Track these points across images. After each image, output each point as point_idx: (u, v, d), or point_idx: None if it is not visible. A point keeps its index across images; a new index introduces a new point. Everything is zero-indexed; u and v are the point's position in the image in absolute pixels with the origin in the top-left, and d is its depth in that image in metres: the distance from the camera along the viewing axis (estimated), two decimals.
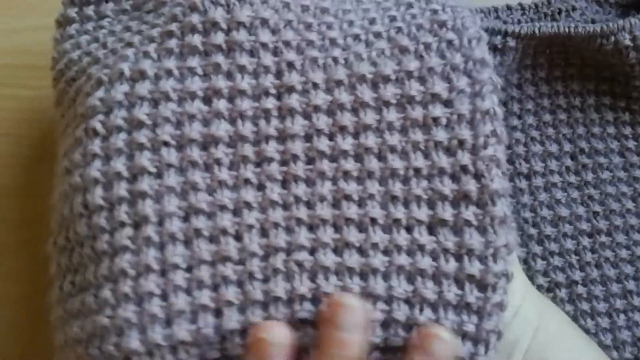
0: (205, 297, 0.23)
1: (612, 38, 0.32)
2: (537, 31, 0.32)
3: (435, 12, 0.26)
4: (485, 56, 0.26)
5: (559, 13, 0.35)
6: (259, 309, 0.24)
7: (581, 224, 0.34)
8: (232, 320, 0.23)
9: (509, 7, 0.35)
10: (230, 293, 0.24)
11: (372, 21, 0.26)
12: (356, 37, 0.26)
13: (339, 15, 0.27)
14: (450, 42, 0.26)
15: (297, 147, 0.25)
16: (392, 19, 0.26)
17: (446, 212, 0.25)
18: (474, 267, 0.24)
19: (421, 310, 0.24)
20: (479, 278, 0.24)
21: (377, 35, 0.26)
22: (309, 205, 0.25)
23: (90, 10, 0.28)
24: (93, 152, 0.25)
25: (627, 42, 0.32)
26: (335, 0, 0.27)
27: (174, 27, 0.26)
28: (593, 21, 0.35)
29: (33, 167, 0.37)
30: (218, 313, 0.24)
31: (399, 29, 0.26)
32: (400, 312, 0.24)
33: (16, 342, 0.35)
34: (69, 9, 0.29)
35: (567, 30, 0.32)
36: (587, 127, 0.35)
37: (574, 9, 0.35)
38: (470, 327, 0.24)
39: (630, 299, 0.33)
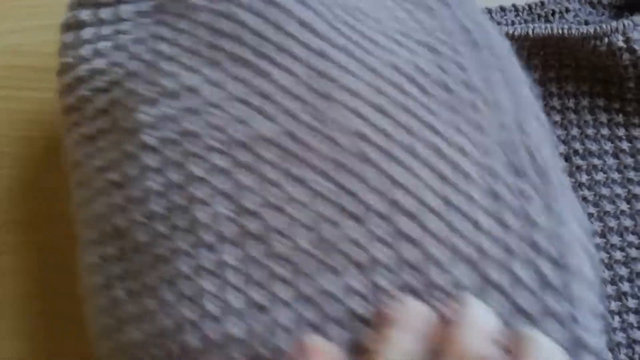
0: (257, 294, 0.23)
1: (606, 40, 0.32)
2: (530, 32, 0.32)
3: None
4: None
5: (553, 14, 0.35)
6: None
7: None
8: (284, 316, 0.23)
9: (502, 9, 0.35)
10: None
11: None
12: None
13: None
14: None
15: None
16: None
17: None
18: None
19: None
20: None
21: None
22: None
23: (105, 13, 0.27)
24: (150, 166, 0.25)
25: (621, 44, 0.32)
26: None
27: (223, 42, 0.25)
28: (586, 22, 0.35)
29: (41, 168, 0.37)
30: (262, 309, 0.23)
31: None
32: None
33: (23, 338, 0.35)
34: (78, 11, 0.28)
35: (560, 31, 0.32)
36: (581, 128, 0.35)
37: (567, 10, 0.35)
38: None
39: (624, 301, 0.33)
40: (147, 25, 0.27)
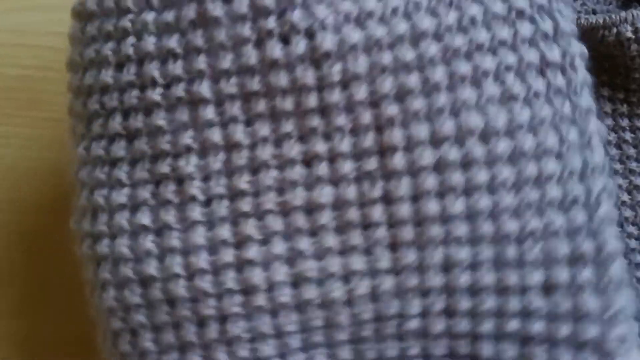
0: (321, 356, 0.24)
1: (614, 30, 0.32)
2: None
3: (545, 37, 0.24)
4: (591, 103, 0.24)
5: None
6: None
7: None
8: None
9: None
10: (346, 352, 0.24)
11: (480, 47, 0.23)
12: (462, 79, 0.23)
13: (441, 34, 0.23)
14: (558, 90, 0.24)
15: (404, 210, 0.23)
16: (502, 43, 0.23)
17: (561, 275, 0.23)
18: (591, 331, 0.23)
19: None
20: (596, 343, 0.23)
21: (486, 74, 0.23)
22: (420, 272, 0.23)
23: (111, 2, 0.25)
24: (196, 220, 0.24)
25: (629, 34, 0.32)
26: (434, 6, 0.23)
27: (256, 85, 0.23)
28: (594, 12, 0.35)
29: None
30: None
31: (509, 68, 0.23)
32: None
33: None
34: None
35: None
36: None
37: None
38: None
39: None
40: (151, 26, 0.25)
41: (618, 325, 0.23)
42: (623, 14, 0.32)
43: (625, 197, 0.34)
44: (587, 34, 0.32)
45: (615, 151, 0.35)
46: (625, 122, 0.35)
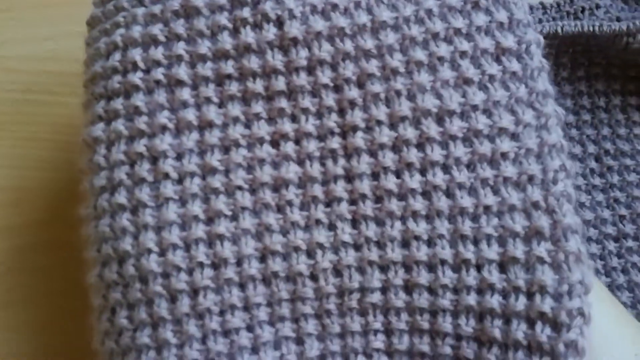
0: (287, 329, 0.26)
1: (639, 36, 0.31)
2: (560, 30, 0.31)
3: (501, 26, 0.25)
4: (548, 88, 0.25)
5: (582, 11, 0.34)
6: (337, 339, 0.26)
7: (607, 227, 0.33)
8: (313, 348, 0.26)
9: (530, 6, 0.34)
10: (310, 326, 0.26)
11: (435, 36, 0.25)
12: (419, 64, 0.25)
13: (399, 24, 0.25)
14: (514, 74, 0.25)
15: (365, 186, 0.25)
16: (457, 32, 0.25)
17: (517, 250, 0.24)
18: (545, 305, 0.23)
19: (489, 349, 0.24)
20: (551, 316, 0.23)
21: (441, 60, 0.25)
22: (380, 246, 0.25)
23: (111, 5, 0.27)
24: (169, 196, 0.25)
25: None
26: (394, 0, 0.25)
27: (230, 68, 0.25)
28: (618, 19, 0.34)
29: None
30: (299, 341, 0.26)
31: (464, 54, 0.25)
32: (469, 350, 0.24)
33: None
34: (96, 8, 0.28)
35: (591, 29, 0.31)
36: (612, 128, 0.34)
37: (597, 6, 0.34)
38: None
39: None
40: (140, 18, 0.27)
41: (573, 299, 0.23)
42: None
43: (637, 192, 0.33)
44: (610, 41, 0.32)
45: None
46: None
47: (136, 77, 0.26)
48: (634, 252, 0.33)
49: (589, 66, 0.34)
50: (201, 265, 0.25)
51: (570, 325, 0.23)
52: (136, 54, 0.26)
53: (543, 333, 0.23)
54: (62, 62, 0.39)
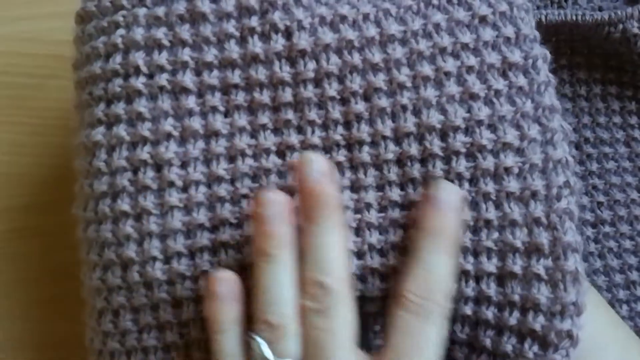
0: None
1: (620, 26, 0.32)
2: (543, 19, 0.32)
3: (507, 41, 0.25)
4: (555, 102, 0.25)
5: (566, 0, 0.34)
6: None
7: (585, 214, 0.34)
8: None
9: None
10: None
11: (443, 51, 0.25)
12: (426, 79, 0.25)
13: (407, 39, 0.25)
14: (520, 89, 0.25)
15: (370, 196, 0.25)
16: (464, 46, 0.25)
17: (516, 265, 0.24)
18: (537, 323, 0.24)
19: (478, 356, 0.25)
20: (540, 334, 0.24)
21: (448, 75, 0.25)
22: (382, 253, 0.25)
23: (107, 2, 0.26)
24: (174, 205, 0.25)
25: (636, 30, 0.32)
26: (402, 13, 0.25)
27: (237, 78, 0.25)
28: (600, 8, 0.35)
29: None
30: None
31: (470, 69, 0.25)
32: (461, 355, 0.25)
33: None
34: (89, 1, 0.27)
35: (574, 18, 0.32)
36: (592, 116, 0.35)
37: None
38: None
39: (633, 290, 0.33)
40: (142, 19, 0.26)
41: (564, 320, 0.24)
42: (629, 9, 0.32)
43: (635, 194, 0.34)
44: (592, 31, 0.32)
45: (624, 149, 0.34)
46: (634, 120, 0.35)
47: (139, 82, 0.25)
48: (610, 237, 0.34)
49: (571, 55, 0.34)
50: (206, 273, 0.25)
51: (558, 347, 0.24)
52: (139, 58, 0.25)
53: (530, 350, 0.24)
54: (41, 44, 0.38)
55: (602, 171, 0.34)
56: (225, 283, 0.24)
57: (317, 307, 0.23)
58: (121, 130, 0.25)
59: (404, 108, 0.25)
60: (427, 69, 0.25)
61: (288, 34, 0.25)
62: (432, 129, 0.25)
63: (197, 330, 0.25)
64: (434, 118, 0.25)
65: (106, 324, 0.26)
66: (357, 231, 0.25)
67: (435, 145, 0.25)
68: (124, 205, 0.25)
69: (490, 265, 0.24)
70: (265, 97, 0.25)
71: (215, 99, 0.25)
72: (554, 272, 0.24)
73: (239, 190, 0.25)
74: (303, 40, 0.25)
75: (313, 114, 0.25)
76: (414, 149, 0.25)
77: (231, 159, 0.25)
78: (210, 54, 0.25)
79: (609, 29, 0.32)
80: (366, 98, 0.25)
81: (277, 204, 0.23)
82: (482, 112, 0.25)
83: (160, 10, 0.25)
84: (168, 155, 0.25)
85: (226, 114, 0.25)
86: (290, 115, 0.25)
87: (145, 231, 0.25)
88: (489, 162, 0.24)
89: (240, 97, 0.25)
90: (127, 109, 0.25)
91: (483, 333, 0.25)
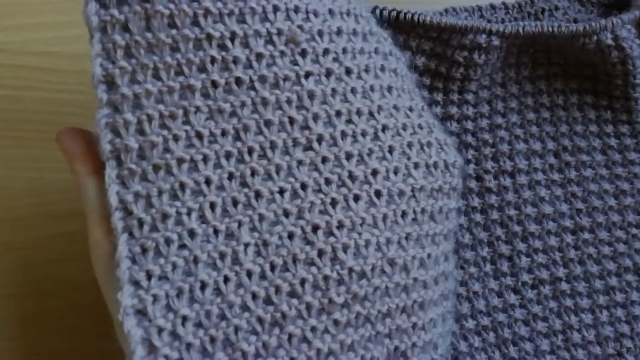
0: None
1: (595, 37, 0.32)
2: (521, 30, 0.32)
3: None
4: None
5: (542, 12, 0.35)
6: None
7: (564, 221, 0.34)
8: None
9: (492, 6, 0.35)
10: None
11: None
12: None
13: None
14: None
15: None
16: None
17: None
18: None
19: None
20: None
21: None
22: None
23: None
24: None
25: (609, 42, 0.33)
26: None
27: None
28: (575, 20, 0.36)
29: None
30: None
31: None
32: None
33: None
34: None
35: (550, 29, 0.32)
36: (569, 125, 0.35)
37: (556, 8, 0.35)
38: None
39: (612, 295, 0.34)
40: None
41: None
42: (603, 21, 0.32)
43: (612, 202, 0.35)
44: (568, 42, 0.33)
45: (600, 157, 0.35)
46: (610, 129, 0.35)
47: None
48: (589, 244, 0.34)
49: (548, 65, 0.35)
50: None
51: None
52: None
53: None
54: (16, 56, 0.38)
55: (580, 179, 0.35)
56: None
57: None
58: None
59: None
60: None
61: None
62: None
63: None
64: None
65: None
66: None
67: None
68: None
69: None
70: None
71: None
72: None
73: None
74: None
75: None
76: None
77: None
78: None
79: (584, 40, 0.33)
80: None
81: None
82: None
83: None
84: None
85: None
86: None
87: None
88: None
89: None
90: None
91: None
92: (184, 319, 0.22)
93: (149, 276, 0.22)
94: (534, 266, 0.33)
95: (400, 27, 0.31)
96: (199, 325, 0.22)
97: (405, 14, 0.31)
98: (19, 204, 0.36)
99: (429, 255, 0.25)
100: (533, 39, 0.33)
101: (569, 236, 0.34)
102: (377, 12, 0.30)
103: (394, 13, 0.31)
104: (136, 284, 0.22)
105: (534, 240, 0.34)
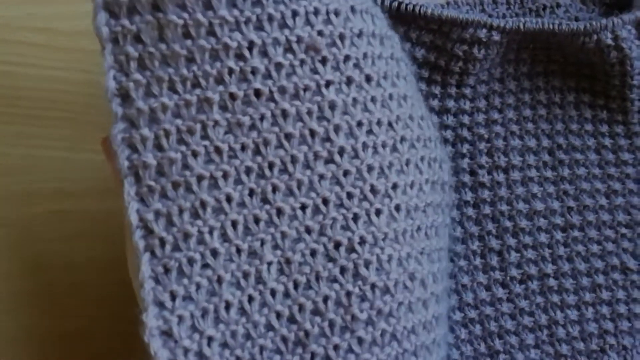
0: None
1: (595, 37, 0.32)
2: (522, 26, 0.32)
3: None
4: None
5: (544, 9, 0.35)
6: None
7: (555, 218, 0.34)
8: None
9: (494, 1, 0.35)
10: None
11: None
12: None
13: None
14: None
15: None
16: None
17: None
18: None
19: None
20: None
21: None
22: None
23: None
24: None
25: (609, 42, 0.33)
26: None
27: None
28: (576, 19, 0.36)
29: None
30: None
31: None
32: None
33: None
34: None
35: (551, 27, 0.32)
36: (565, 123, 0.35)
37: (558, 5, 0.35)
38: None
39: (599, 293, 0.34)
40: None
41: None
42: (604, 21, 0.32)
43: (603, 201, 0.35)
44: (568, 40, 0.33)
45: (594, 156, 0.35)
46: (604, 128, 0.36)
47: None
48: (578, 241, 0.35)
49: (547, 63, 0.35)
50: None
51: None
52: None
53: None
54: (12, 31, 0.37)
55: (573, 177, 0.35)
56: None
57: None
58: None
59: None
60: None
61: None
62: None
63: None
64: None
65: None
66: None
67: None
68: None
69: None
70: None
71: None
72: None
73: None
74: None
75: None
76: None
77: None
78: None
79: (583, 39, 0.33)
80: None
81: None
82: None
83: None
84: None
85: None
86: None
87: None
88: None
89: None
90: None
91: None
92: (210, 339, 0.21)
93: (173, 297, 0.21)
94: (523, 261, 0.34)
95: (401, 18, 0.31)
96: (224, 345, 0.21)
97: (406, 5, 0.31)
98: (12, 180, 0.36)
99: (438, 269, 0.25)
100: (533, 35, 0.33)
101: (559, 233, 0.34)
102: (379, 2, 0.30)
103: (395, 4, 0.31)
104: (161, 305, 0.21)
105: (524, 236, 0.34)
